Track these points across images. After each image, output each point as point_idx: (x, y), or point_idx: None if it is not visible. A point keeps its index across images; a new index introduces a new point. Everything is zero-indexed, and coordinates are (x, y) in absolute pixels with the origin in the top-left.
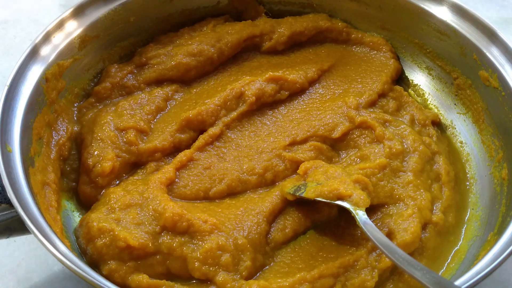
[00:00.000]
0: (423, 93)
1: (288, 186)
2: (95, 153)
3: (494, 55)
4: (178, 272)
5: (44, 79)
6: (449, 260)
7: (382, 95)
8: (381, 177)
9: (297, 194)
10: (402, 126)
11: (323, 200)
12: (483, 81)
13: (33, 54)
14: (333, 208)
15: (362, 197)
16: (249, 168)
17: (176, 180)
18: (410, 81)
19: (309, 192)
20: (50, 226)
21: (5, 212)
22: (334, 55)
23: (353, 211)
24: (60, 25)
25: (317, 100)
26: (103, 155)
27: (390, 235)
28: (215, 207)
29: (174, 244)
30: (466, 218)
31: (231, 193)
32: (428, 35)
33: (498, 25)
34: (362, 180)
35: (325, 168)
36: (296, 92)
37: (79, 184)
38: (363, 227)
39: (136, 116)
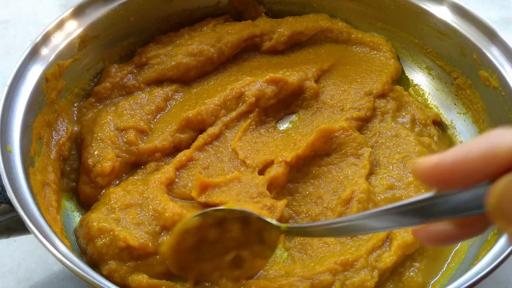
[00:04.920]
0: (423, 93)
1: None
2: (95, 153)
3: (494, 55)
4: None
5: (44, 79)
6: (449, 260)
7: (382, 95)
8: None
9: None
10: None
11: (235, 208)
12: (483, 81)
13: (33, 54)
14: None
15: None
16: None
17: (176, 180)
18: (410, 81)
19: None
20: (50, 226)
21: (5, 212)
22: (334, 55)
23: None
24: (60, 25)
25: None
26: (103, 155)
27: (390, 235)
28: None
29: None
30: None
31: None
32: (428, 35)
33: (498, 25)
34: None
35: None
36: None
37: (79, 184)
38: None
39: (136, 116)
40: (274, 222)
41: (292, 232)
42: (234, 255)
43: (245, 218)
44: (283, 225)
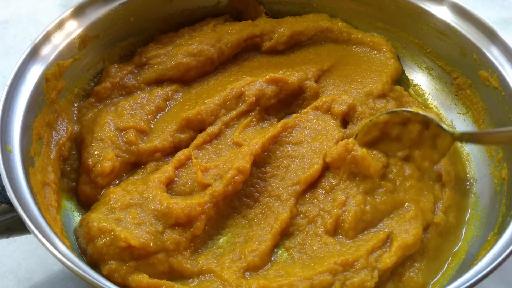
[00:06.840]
0: (423, 93)
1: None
2: (95, 153)
3: (494, 55)
4: (180, 268)
5: (44, 79)
6: (449, 260)
7: (382, 95)
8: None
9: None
10: None
11: (420, 112)
12: (483, 81)
13: (33, 54)
14: None
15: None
16: None
17: (176, 179)
18: (410, 81)
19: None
20: (50, 226)
21: (5, 212)
22: (334, 55)
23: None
24: (60, 25)
25: None
26: (103, 155)
27: (391, 236)
28: None
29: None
30: (467, 218)
31: None
32: (428, 35)
33: (498, 25)
34: None
35: None
36: None
37: (79, 184)
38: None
39: (136, 116)
40: (449, 129)
41: (463, 139)
42: (407, 153)
43: (426, 123)
44: (456, 132)
